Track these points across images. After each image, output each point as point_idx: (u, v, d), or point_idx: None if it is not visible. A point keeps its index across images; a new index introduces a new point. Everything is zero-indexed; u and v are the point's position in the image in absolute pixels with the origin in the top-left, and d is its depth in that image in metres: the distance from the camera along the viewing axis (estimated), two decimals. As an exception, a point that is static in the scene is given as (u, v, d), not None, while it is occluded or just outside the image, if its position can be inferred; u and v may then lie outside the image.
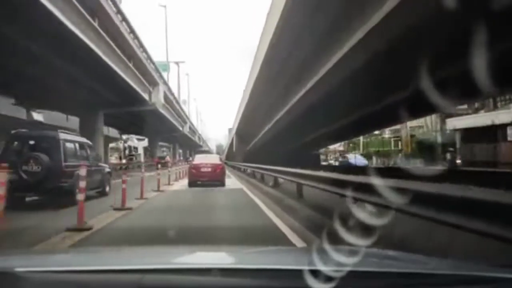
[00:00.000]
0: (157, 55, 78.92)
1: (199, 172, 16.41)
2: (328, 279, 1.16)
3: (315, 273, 1.17)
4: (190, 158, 22.94)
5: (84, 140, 11.28)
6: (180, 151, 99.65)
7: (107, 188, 11.42)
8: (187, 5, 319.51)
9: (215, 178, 16.10)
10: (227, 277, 1.26)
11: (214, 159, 18.69)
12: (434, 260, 1.64)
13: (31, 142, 9.54)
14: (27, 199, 9.14)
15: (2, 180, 4.80)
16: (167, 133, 55.97)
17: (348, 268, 1.20)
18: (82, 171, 6.75)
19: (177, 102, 55.67)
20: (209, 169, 16.48)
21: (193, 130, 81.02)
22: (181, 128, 57.34)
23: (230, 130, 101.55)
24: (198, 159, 18.38)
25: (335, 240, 1.52)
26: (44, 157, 8.78)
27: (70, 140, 10.03)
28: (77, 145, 10.25)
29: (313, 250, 1.35)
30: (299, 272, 1.19)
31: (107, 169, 12.16)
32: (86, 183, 7.32)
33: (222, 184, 16.10)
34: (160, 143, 75.97)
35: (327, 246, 1.43)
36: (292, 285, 1.22)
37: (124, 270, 1.31)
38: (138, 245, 4.60)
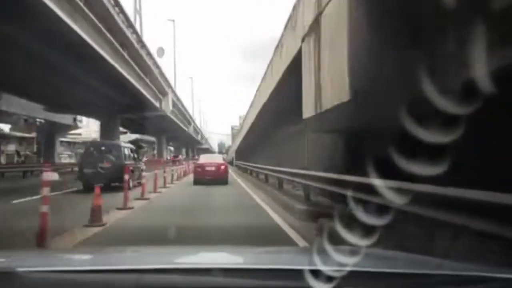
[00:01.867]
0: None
1: (204, 170, 17.82)
2: (328, 279, 1.16)
3: (315, 273, 1.17)
4: (196, 157, 25.34)
5: (131, 146, 17.39)
6: (171, 148, 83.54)
7: (143, 180, 14.60)
8: (192, 6, 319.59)
9: (218, 177, 17.52)
10: (227, 277, 1.26)
11: (218, 158, 20.46)
12: (434, 260, 1.64)
13: (103, 148, 14.67)
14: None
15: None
16: (126, 109, 30.56)
17: (349, 268, 1.20)
18: (137, 167, 13.74)
19: (137, 36, 26.87)
20: (213, 168, 17.92)
21: (184, 115, 55.46)
22: (156, 103, 33.27)
23: (232, 129, 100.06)
24: (203, 158, 20.10)
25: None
26: (112, 158, 13.71)
27: (126, 147, 15.77)
28: (129, 150, 15.78)
29: (314, 250, 1.35)
30: (300, 272, 1.18)
31: (143, 167, 17.02)
32: (133, 176, 12.97)
33: (225, 182, 17.57)
34: (139, 137, 58.90)
35: (327, 246, 1.43)
36: (292, 285, 1.22)
37: (124, 270, 1.32)
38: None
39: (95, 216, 6.73)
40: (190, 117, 69.03)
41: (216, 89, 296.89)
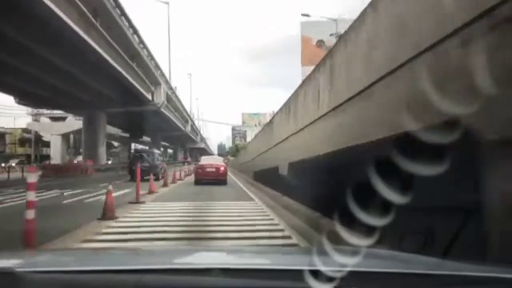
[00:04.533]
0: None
1: (205, 171, 19.21)
2: (328, 279, 1.16)
3: (315, 273, 1.17)
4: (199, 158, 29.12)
5: (159, 152, 31.28)
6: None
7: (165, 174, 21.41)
8: (192, 5, 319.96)
9: (218, 177, 18.82)
10: (226, 277, 1.25)
11: (218, 160, 21.80)
12: (434, 260, 1.64)
13: (143, 153, 24.74)
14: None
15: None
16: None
17: (349, 269, 1.20)
18: (163, 166, 24.85)
19: None
20: (213, 169, 19.19)
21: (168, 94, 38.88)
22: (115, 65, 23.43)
23: (233, 130, 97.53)
24: (204, 160, 21.59)
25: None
26: (149, 159, 23.05)
27: (156, 152, 27.02)
28: (158, 154, 27.01)
29: (314, 250, 1.35)
30: (300, 272, 1.18)
31: (165, 165, 26.15)
32: (160, 171, 22.50)
33: (225, 182, 18.78)
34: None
35: (327, 246, 1.43)
36: (292, 285, 1.22)
37: (124, 270, 1.32)
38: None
39: (151, 190, 14.62)
40: (165, 77, 42.28)
41: (214, 89, 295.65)
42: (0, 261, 1.46)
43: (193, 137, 76.15)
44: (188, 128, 65.03)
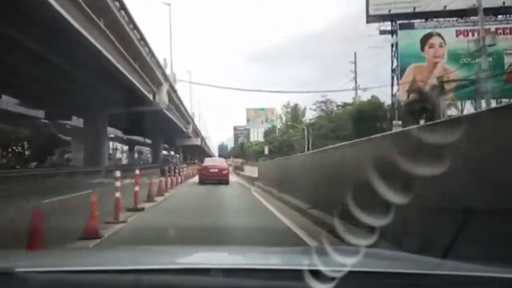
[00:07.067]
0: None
1: (208, 172, 20.37)
2: (328, 279, 1.16)
3: (315, 273, 1.17)
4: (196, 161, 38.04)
5: (177, 155, 59.12)
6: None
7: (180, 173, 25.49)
8: (192, 6, 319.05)
9: (221, 178, 19.95)
10: (226, 277, 1.25)
11: (221, 162, 23.15)
12: (434, 260, 1.64)
13: (168, 158, 44.86)
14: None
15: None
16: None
17: (348, 268, 1.20)
18: (180, 167, 30.72)
19: None
20: (216, 170, 20.38)
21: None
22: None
23: (235, 130, 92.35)
24: (208, 162, 22.81)
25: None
26: (172, 162, 35.62)
27: (176, 156, 52.67)
28: (177, 158, 50.13)
29: (313, 250, 1.35)
30: (299, 272, 1.18)
31: (183, 165, 39.35)
32: (178, 171, 23.72)
33: (227, 182, 19.95)
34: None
35: (327, 246, 1.43)
36: (292, 285, 1.22)
37: (123, 270, 1.31)
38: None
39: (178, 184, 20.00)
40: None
41: (215, 91, 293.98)
42: (0, 261, 1.46)
43: (178, 122, 48.93)
44: (164, 98, 36.53)
